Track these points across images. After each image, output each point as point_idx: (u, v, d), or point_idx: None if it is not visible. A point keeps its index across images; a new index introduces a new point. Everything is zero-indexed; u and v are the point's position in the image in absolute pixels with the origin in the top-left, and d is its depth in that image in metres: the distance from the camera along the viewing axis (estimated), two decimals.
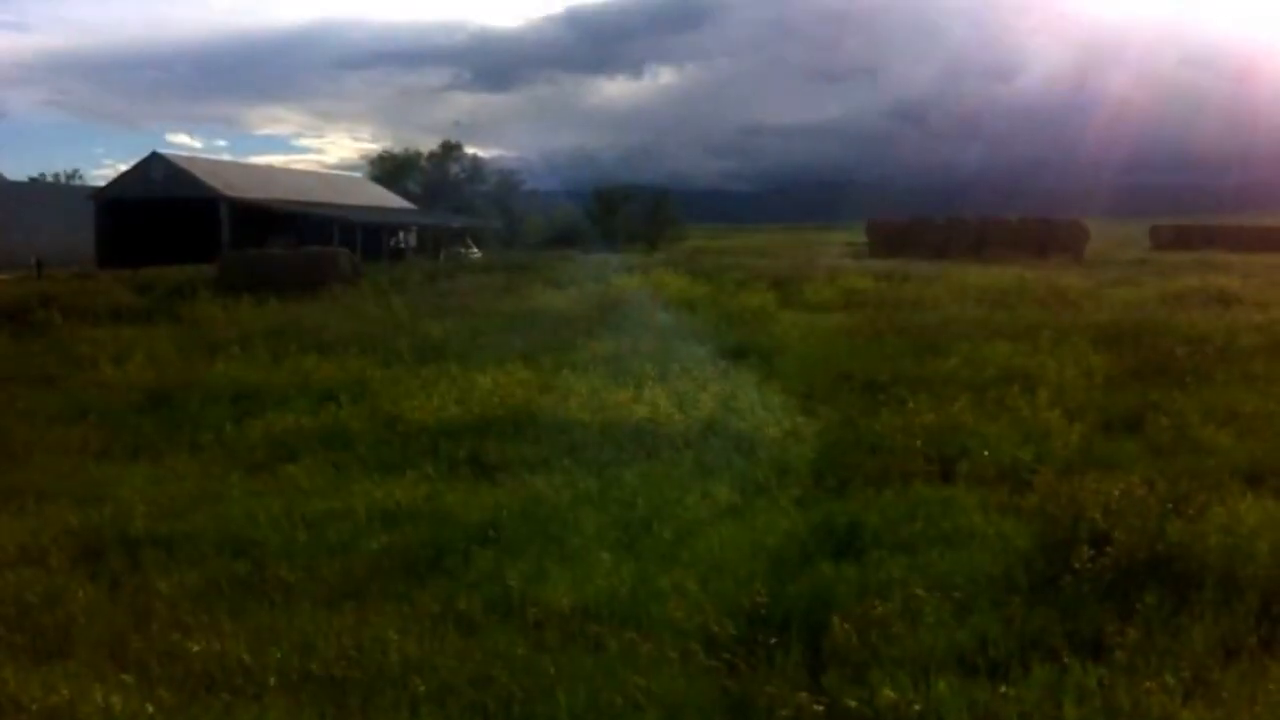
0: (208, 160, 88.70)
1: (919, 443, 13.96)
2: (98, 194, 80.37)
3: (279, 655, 8.00)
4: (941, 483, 12.65)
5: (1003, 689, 7.28)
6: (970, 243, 78.63)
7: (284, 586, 9.56)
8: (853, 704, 7.12)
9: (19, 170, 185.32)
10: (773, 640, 8.08)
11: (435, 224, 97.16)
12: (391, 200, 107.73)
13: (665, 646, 8.03)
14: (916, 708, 7.05)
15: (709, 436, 14.86)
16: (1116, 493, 10.57)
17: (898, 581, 9.07)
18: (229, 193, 76.01)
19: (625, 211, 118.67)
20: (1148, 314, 27.72)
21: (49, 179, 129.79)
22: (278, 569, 9.91)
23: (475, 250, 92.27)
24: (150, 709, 7.17)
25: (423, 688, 7.45)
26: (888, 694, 7.15)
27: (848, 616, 8.29)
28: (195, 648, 8.12)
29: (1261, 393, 17.29)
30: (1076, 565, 9.12)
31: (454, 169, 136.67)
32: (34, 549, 10.71)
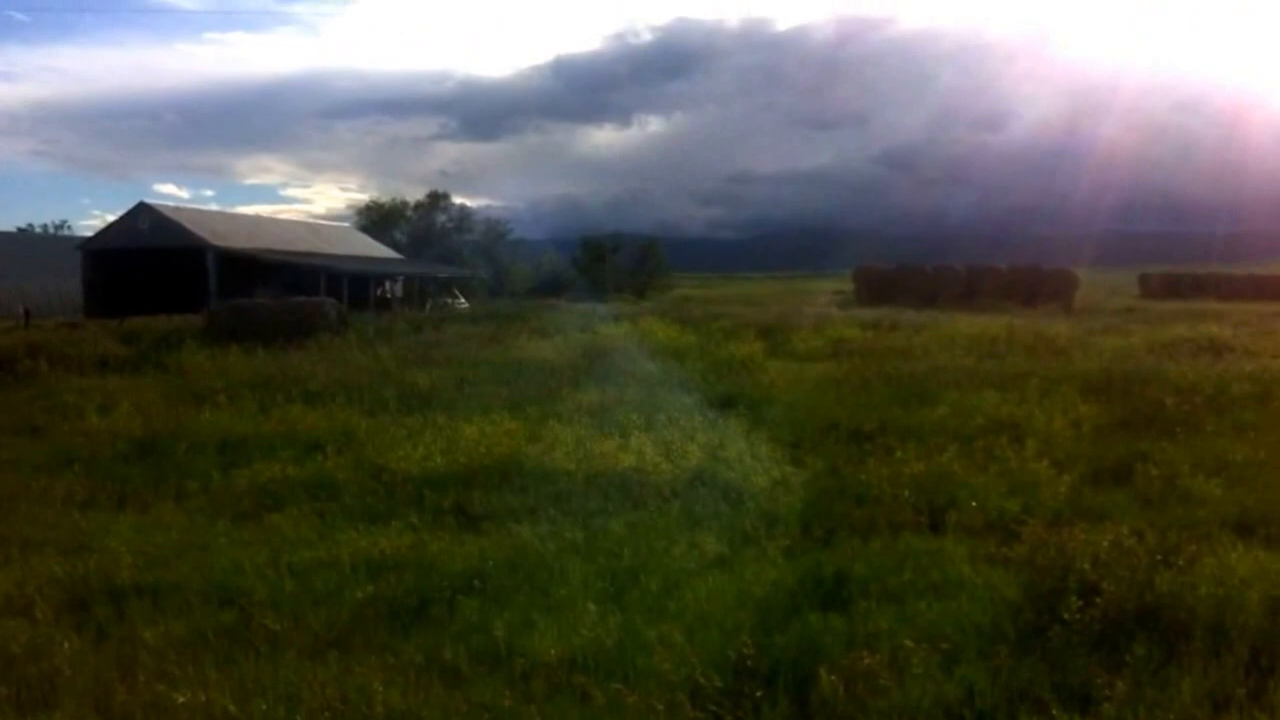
0: (195, 210, 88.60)
1: (907, 493, 13.93)
2: (85, 244, 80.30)
3: (264, 707, 7.96)
4: (929, 533, 12.63)
5: None
6: (959, 291, 78.90)
7: (270, 636, 9.53)
8: None
9: (7, 221, 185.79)
10: (759, 692, 8.05)
11: (422, 273, 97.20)
12: (378, 250, 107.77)
13: (652, 698, 7.99)
14: None
15: (696, 486, 14.83)
16: (1105, 543, 10.57)
17: (885, 632, 9.05)
18: (216, 242, 75.93)
19: (613, 260, 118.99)
20: (1137, 363, 27.70)
21: (37, 229, 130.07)
22: (264, 618, 9.87)
23: (462, 300, 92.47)
24: None
25: None
26: None
27: (835, 668, 8.27)
28: (181, 699, 8.08)
29: (1252, 442, 17.26)
30: (1065, 616, 9.11)
31: (441, 218, 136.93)
32: (19, 599, 10.66)
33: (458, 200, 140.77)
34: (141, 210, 78.58)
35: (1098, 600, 9.31)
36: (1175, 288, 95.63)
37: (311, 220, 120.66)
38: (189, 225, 77.54)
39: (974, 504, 13.32)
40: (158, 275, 72.66)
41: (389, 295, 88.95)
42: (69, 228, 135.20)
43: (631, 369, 28.35)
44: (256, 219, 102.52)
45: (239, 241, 79.37)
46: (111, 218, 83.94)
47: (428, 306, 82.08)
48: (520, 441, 18.00)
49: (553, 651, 8.86)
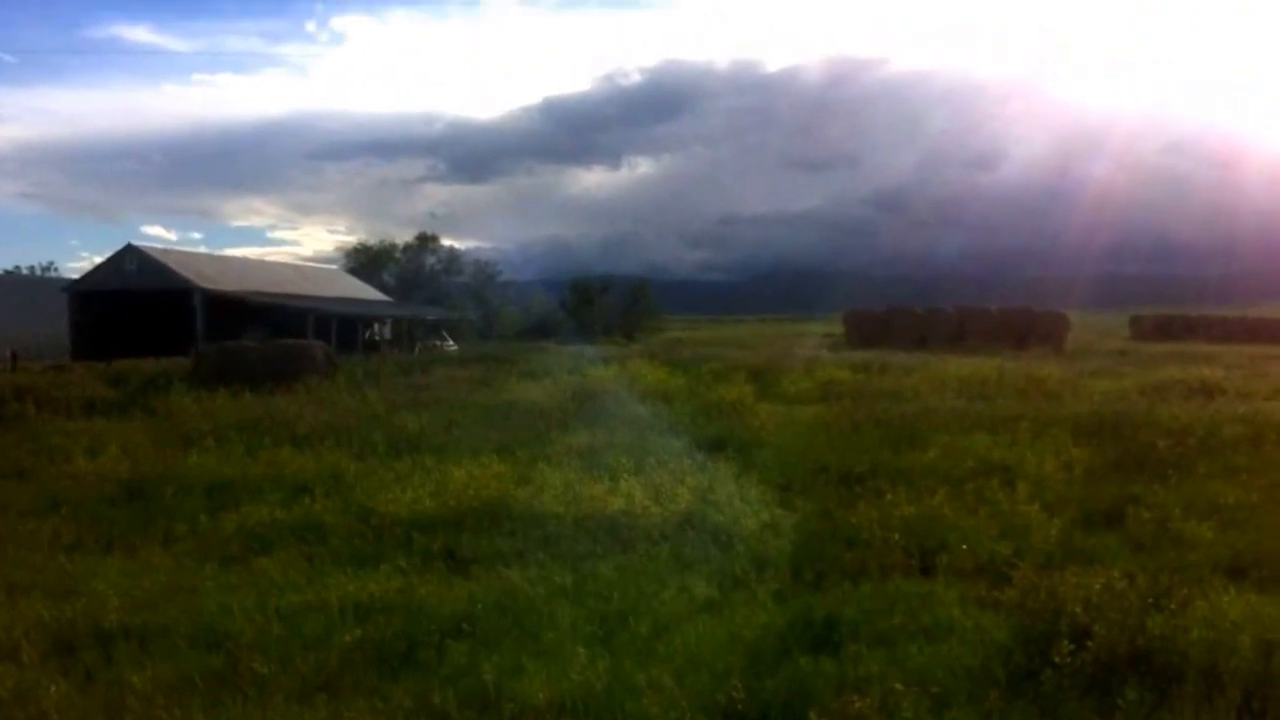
0: (182, 252, 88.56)
1: (897, 536, 13.90)
2: (72, 286, 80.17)
3: None
4: (920, 576, 12.61)
5: None
6: (949, 333, 79.10)
7: (258, 680, 9.47)
8: None
9: None
10: None
11: (411, 315, 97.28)
12: (367, 292, 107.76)
13: None
14: None
15: (686, 530, 14.78)
16: (1097, 587, 10.52)
17: (876, 676, 9.01)
18: (203, 284, 75.87)
19: (602, 302, 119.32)
20: (1129, 406, 27.70)
21: (24, 271, 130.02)
22: (251, 662, 9.81)
23: (451, 342, 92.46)
24: None
25: None
26: None
27: (825, 712, 8.23)
28: None
29: (1244, 485, 17.26)
30: (1056, 660, 9.06)
31: (429, 260, 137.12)
32: (6, 643, 10.60)
33: (446, 242, 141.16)
34: (129, 252, 78.50)
35: (1089, 644, 9.26)
36: (1167, 330, 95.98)
37: (299, 262, 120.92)
38: (176, 267, 77.51)
39: (964, 547, 13.30)
40: (145, 317, 72.57)
41: (377, 338, 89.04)
42: (56, 269, 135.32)
43: (621, 412, 28.34)
44: (244, 261, 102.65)
45: (227, 284, 79.34)
46: (99, 260, 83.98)
47: (416, 349, 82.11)
48: (509, 485, 17.95)
49: (542, 695, 8.81)
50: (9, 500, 18.36)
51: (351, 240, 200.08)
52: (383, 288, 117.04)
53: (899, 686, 8.68)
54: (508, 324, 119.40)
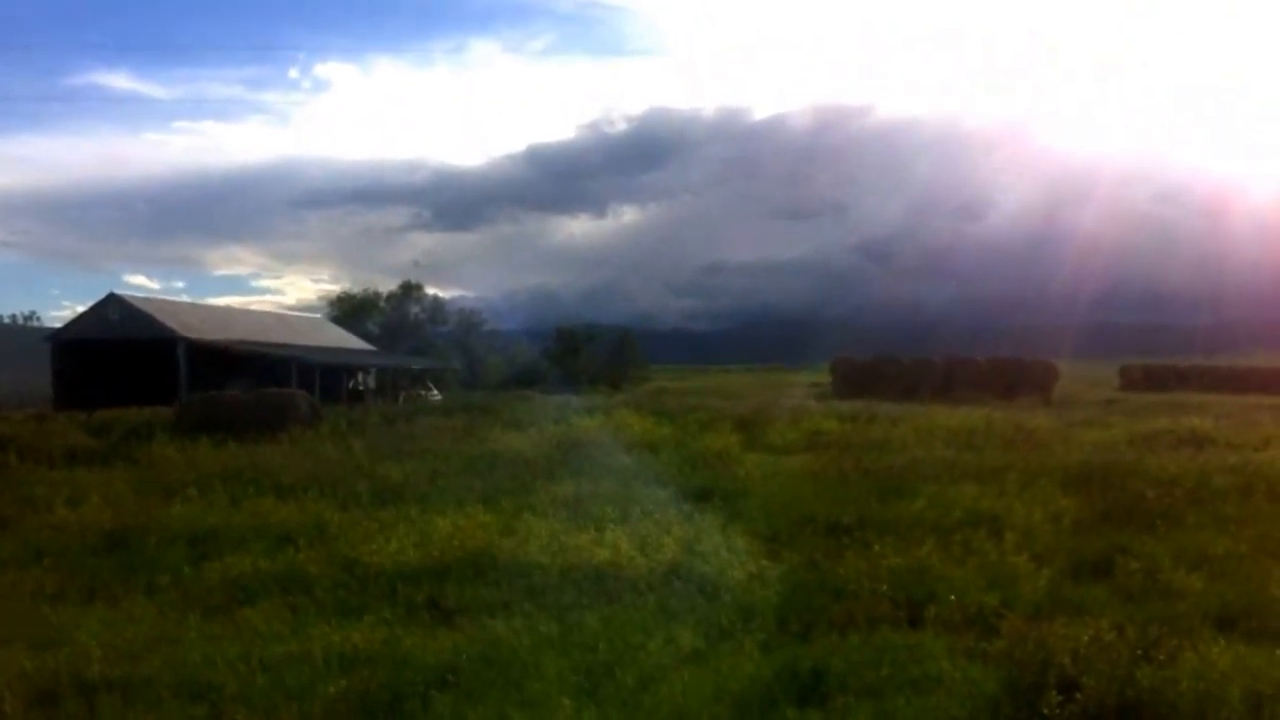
0: (165, 301, 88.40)
1: (885, 587, 13.83)
2: (55, 335, 79.85)
3: None
4: (907, 628, 12.55)
5: None
6: (937, 383, 79.12)
7: None
8: None
9: None
10: None
11: (394, 365, 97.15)
12: (351, 341, 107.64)
13: None
14: None
15: (672, 580, 14.72)
16: (1086, 638, 10.48)
17: None
18: (187, 334, 75.67)
19: (587, 351, 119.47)
20: (1117, 455, 27.71)
21: (6, 320, 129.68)
22: (235, 713, 9.77)
23: (435, 391, 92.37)
24: None
25: None
26: None
27: None
28: None
29: (1233, 535, 17.23)
30: (1045, 711, 9.04)
31: (414, 309, 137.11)
32: None
33: (431, 291, 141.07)
34: (111, 301, 78.30)
35: (1078, 696, 9.23)
36: (1157, 379, 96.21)
37: (283, 311, 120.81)
38: (159, 316, 77.34)
39: (952, 598, 13.23)
40: (128, 366, 72.48)
41: (361, 387, 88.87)
42: (38, 318, 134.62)
43: (606, 461, 28.29)
44: (227, 310, 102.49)
45: (209, 333, 79.20)
46: (81, 308, 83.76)
47: (400, 398, 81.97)
48: (494, 535, 17.89)
49: None
50: None
51: (335, 289, 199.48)
52: (367, 336, 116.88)
53: None
54: (492, 373, 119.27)
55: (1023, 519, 18.69)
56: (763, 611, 13.25)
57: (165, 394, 60.07)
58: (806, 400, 63.62)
